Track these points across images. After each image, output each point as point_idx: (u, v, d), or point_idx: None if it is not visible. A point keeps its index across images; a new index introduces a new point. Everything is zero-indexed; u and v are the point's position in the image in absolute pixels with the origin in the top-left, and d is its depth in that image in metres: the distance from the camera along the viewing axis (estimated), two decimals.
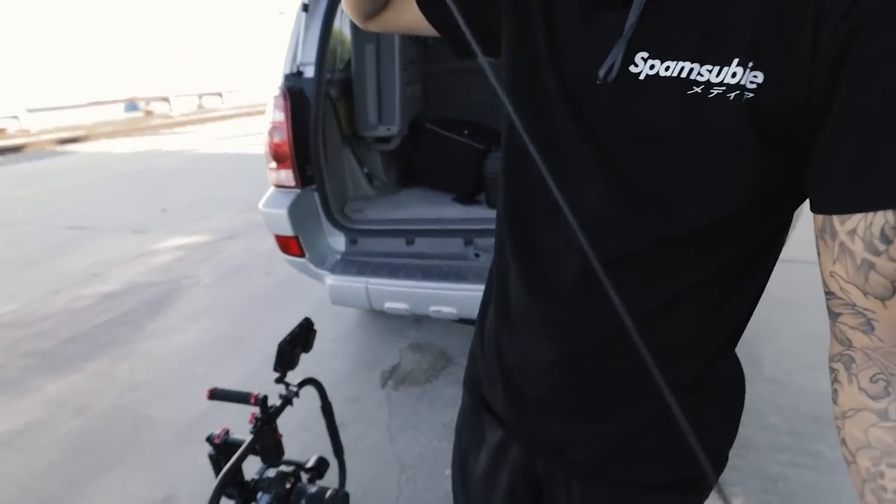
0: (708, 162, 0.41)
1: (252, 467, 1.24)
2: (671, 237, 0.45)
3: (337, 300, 1.87)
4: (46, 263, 4.07)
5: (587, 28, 0.45)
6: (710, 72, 0.38)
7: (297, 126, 1.76)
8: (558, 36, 0.47)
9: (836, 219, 0.38)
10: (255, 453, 1.23)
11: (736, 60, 0.37)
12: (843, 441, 0.39)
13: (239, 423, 1.29)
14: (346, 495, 1.26)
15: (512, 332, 0.60)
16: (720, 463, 0.60)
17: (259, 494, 1.24)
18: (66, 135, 14.01)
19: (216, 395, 1.26)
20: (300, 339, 1.31)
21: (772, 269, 0.52)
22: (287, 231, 1.82)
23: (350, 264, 1.89)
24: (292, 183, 1.84)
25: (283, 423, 1.26)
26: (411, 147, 2.58)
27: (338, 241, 1.97)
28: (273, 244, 4.09)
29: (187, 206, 5.58)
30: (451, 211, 2.13)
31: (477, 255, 1.83)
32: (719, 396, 0.57)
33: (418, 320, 2.74)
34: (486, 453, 0.71)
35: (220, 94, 24.45)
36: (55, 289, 3.52)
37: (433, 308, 1.73)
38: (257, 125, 14.68)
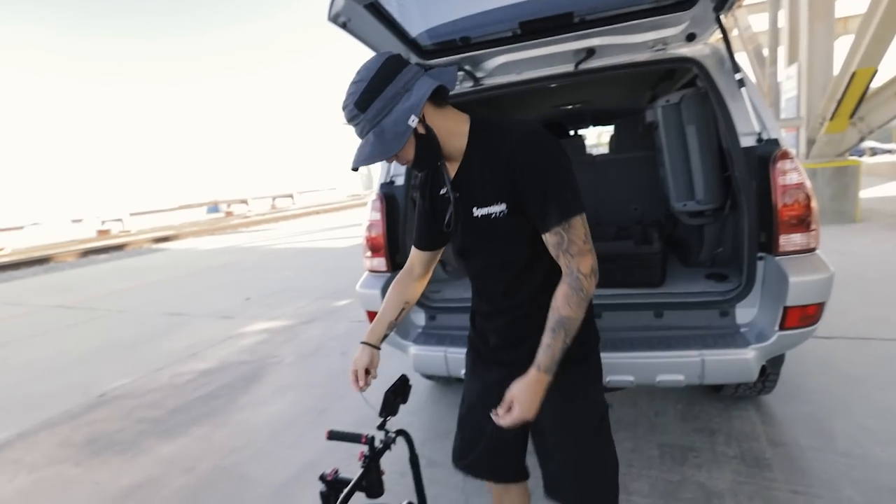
0: (517, 235, 1.14)
1: None
2: (519, 260, 1.17)
3: (419, 367, 2.13)
4: (151, 345, 4.62)
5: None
6: (490, 210, 1.13)
7: (390, 223, 2.17)
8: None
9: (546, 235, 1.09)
10: (361, 489, 1.44)
11: (496, 203, 1.12)
12: None
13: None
14: None
15: (483, 315, 1.31)
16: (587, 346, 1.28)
17: None
18: (159, 234, 15.81)
19: (333, 435, 1.50)
20: (400, 390, 1.57)
21: (548, 257, 1.13)
22: (379, 308, 2.15)
23: (430, 336, 2.18)
24: (384, 268, 2.21)
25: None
26: None
27: (419, 318, 2.28)
28: (345, 328, 4.48)
29: (267, 295, 6.17)
30: None
31: None
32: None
33: None
34: (477, 377, 1.38)
35: (291, 196, 26.91)
36: (159, 366, 3.99)
37: None
38: (324, 222, 15.99)
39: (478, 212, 1.15)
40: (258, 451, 2.59)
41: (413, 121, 1.01)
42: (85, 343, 4.86)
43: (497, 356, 1.30)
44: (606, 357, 1.84)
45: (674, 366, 1.81)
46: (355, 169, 1.10)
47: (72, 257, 12.40)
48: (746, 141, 1.81)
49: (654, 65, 2.06)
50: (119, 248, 13.62)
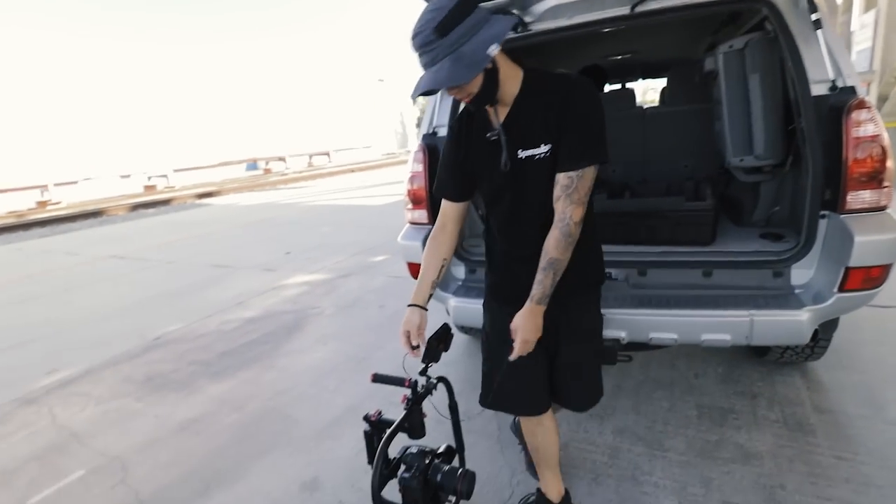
0: (548, 179, 1.25)
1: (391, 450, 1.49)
2: (547, 203, 1.27)
3: (458, 320, 2.15)
4: (199, 294, 4.85)
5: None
6: (533, 152, 1.24)
7: (432, 175, 2.14)
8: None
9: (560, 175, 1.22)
10: (404, 430, 1.50)
11: (542, 144, 1.22)
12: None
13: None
14: (474, 474, 1.46)
15: (519, 259, 1.37)
16: (599, 273, 1.50)
17: (402, 467, 1.48)
18: (202, 190, 16.30)
19: (377, 378, 1.56)
20: (443, 337, 1.60)
21: None
22: (419, 259, 2.16)
23: (470, 289, 2.19)
24: (426, 220, 2.21)
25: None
26: None
27: (459, 271, 2.29)
28: (382, 282, 4.56)
29: (306, 249, 6.33)
30: None
31: None
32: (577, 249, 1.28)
33: None
34: (501, 320, 1.39)
35: (327, 154, 27.09)
36: (208, 314, 4.20)
37: None
38: (360, 180, 16.09)
39: (522, 153, 1.26)
40: (302, 394, 2.72)
41: (494, 49, 1.07)
42: (139, 291, 5.15)
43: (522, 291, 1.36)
44: (650, 314, 1.82)
45: (720, 325, 1.76)
46: (429, 93, 1.12)
47: (122, 211, 13.00)
48: (818, 89, 1.67)
49: (720, 6, 1.91)
50: (165, 202, 14.16)
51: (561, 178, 1.21)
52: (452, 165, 1.40)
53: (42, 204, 15.86)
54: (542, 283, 1.26)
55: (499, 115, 1.27)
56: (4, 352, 3.77)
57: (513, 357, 1.32)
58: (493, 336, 1.54)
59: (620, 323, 1.83)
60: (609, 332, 1.84)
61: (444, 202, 1.45)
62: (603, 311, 1.84)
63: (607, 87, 4.34)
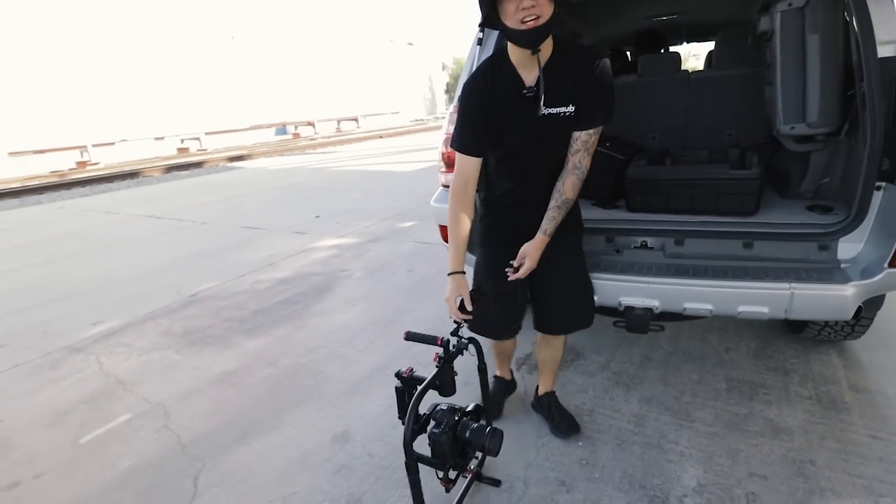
0: (567, 133, 1.46)
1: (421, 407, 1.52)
2: (561, 153, 1.50)
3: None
4: (233, 254, 4.98)
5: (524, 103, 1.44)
6: (561, 109, 1.41)
7: None
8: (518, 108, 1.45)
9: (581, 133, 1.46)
10: (435, 387, 1.54)
11: (570, 104, 1.41)
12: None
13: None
14: (502, 432, 1.49)
15: (531, 203, 1.57)
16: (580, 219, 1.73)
17: (432, 423, 1.52)
18: (233, 153, 16.51)
19: (410, 336, 1.59)
20: (475, 298, 1.61)
21: None
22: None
23: None
24: None
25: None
26: None
27: None
28: (411, 247, 4.59)
29: (336, 214, 6.40)
30: (592, 213, 2.32)
31: (618, 252, 2.01)
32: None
33: None
34: (500, 260, 1.61)
35: (355, 119, 26.98)
36: (242, 273, 4.32)
37: None
38: (387, 146, 16.01)
39: (551, 110, 1.41)
40: (333, 352, 2.80)
41: None
42: (175, 250, 5.32)
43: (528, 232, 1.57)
44: (686, 284, 1.78)
45: (758, 297, 1.71)
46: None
47: (157, 172, 13.31)
48: (886, 50, 1.56)
49: None
50: (198, 165, 14.42)
51: (582, 136, 1.45)
52: (476, 122, 1.46)
53: (82, 164, 16.36)
54: (554, 219, 1.51)
55: (528, 74, 1.41)
56: (53, 303, 3.98)
57: (513, 278, 1.56)
58: (486, 269, 1.72)
59: (654, 292, 1.80)
60: (642, 301, 1.82)
61: (462, 160, 1.50)
62: (636, 278, 1.82)
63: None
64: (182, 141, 20.28)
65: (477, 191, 1.57)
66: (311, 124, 25.14)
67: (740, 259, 1.86)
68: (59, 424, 2.34)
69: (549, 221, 1.50)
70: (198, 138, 20.26)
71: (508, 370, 2.17)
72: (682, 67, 2.90)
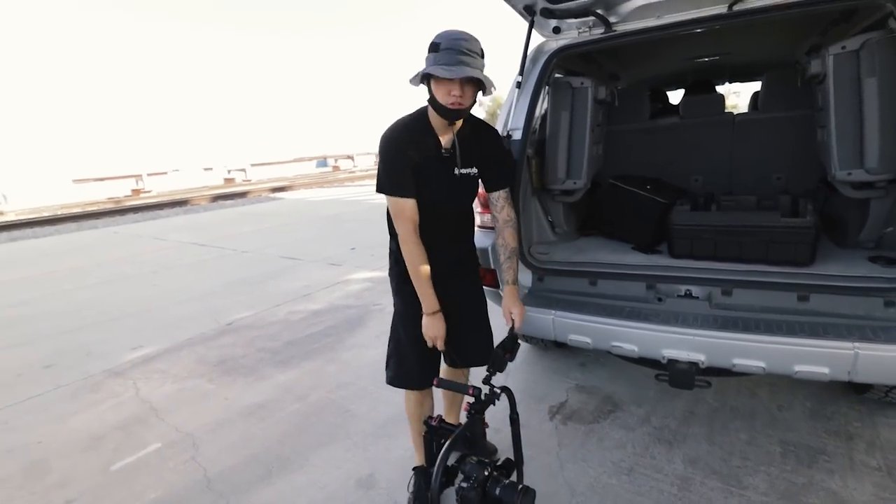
0: (472, 192, 1.71)
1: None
2: (466, 209, 1.77)
3: (523, 329, 2.09)
4: (270, 283, 5.08)
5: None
6: (469, 170, 1.64)
7: None
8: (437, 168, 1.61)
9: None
10: (466, 438, 1.47)
11: (473, 166, 1.65)
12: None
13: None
14: (534, 491, 1.40)
15: (442, 252, 1.65)
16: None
17: (460, 476, 1.45)
18: (276, 184, 17.17)
19: (441, 383, 1.54)
20: (509, 347, 1.56)
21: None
22: (487, 264, 2.12)
23: (538, 298, 2.12)
24: (494, 225, 2.16)
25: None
26: (589, 200, 2.78)
27: (526, 278, 2.22)
28: None
29: (371, 246, 6.47)
30: (631, 258, 2.25)
31: (660, 300, 1.92)
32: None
33: (583, 364, 2.83)
34: (411, 299, 1.67)
35: None
36: (277, 303, 4.39)
37: (614, 344, 1.85)
38: None
39: (460, 171, 1.61)
40: (363, 389, 2.76)
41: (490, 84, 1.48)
42: (216, 277, 5.47)
43: (454, 270, 1.73)
44: (735, 338, 1.67)
45: (817, 356, 1.58)
46: (468, 80, 1.45)
47: (204, 201, 13.94)
48: None
49: (833, 3, 1.73)
50: (242, 195, 15.04)
51: (501, 194, 1.71)
52: (403, 166, 1.54)
53: (136, 192, 17.35)
54: (512, 268, 1.70)
55: (445, 137, 1.59)
56: (98, 326, 4.13)
57: (517, 329, 1.65)
58: (405, 315, 1.75)
59: (699, 345, 1.70)
60: (687, 354, 1.71)
61: (401, 205, 1.56)
62: (681, 330, 1.72)
63: (674, 95, 4.08)
64: (228, 171, 21.26)
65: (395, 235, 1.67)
66: (350, 157, 25.96)
67: (795, 313, 1.74)
68: (93, 449, 2.37)
69: (509, 272, 1.69)
70: (243, 169, 21.20)
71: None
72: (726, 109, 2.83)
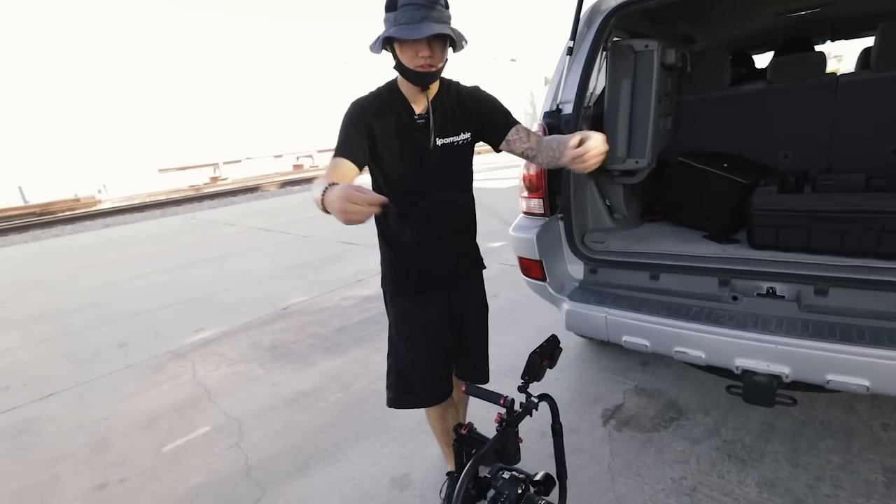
0: (468, 163, 1.51)
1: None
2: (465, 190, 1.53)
3: (572, 326, 1.89)
4: (326, 268, 5.15)
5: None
6: (455, 139, 1.42)
7: None
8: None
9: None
10: (497, 452, 1.32)
11: (460, 132, 1.43)
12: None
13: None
14: None
15: (431, 249, 1.49)
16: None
17: (491, 492, 1.30)
18: None
19: (469, 391, 1.39)
20: (548, 352, 1.38)
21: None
22: (533, 255, 1.94)
23: (589, 293, 1.90)
24: (541, 210, 1.96)
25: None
26: (654, 181, 2.48)
27: (577, 270, 2.01)
28: (497, 270, 4.38)
29: None
30: (702, 248, 1.96)
31: (735, 298, 1.64)
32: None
33: (645, 363, 2.57)
34: (423, 314, 1.54)
35: None
36: (331, 288, 4.43)
37: (677, 349, 1.60)
38: (485, 161, 15.98)
39: (440, 141, 1.40)
40: None
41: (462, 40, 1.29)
42: (277, 261, 5.64)
43: (449, 277, 1.55)
44: (831, 349, 1.38)
45: None
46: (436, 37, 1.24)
47: (274, 187, 14.56)
48: None
49: None
50: (309, 181, 15.55)
51: (512, 131, 1.45)
52: (360, 133, 1.33)
53: (214, 179, 18.47)
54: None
55: (418, 106, 1.39)
56: (170, 307, 4.38)
57: (587, 145, 1.24)
58: (408, 330, 1.56)
59: (783, 355, 1.42)
60: (766, 366, 1.44)
61: (343, 164, 1.28)
62: (760, 336, 1.46)
63: (768, 55, 3.51)
64: (297, 158, 22.09)
65: (385, 237, 1.51)
66: None
67: None
68: (150, 429, 2.47)
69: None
70: (310, 156, 21.93)
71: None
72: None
